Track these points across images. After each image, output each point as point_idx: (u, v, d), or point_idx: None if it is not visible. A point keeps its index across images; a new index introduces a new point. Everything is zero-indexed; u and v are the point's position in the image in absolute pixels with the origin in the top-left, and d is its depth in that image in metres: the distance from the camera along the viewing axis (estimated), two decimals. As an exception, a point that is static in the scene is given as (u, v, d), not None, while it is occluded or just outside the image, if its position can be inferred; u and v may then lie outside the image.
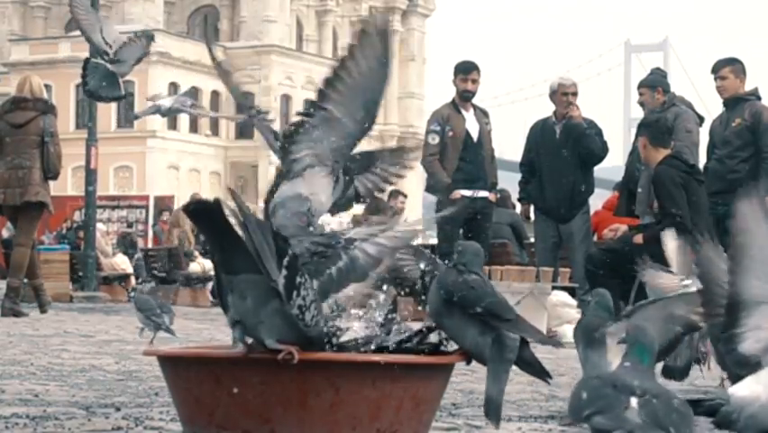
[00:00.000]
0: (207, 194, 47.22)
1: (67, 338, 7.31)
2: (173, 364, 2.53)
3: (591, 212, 10.25)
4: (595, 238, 10.32)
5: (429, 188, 10.39)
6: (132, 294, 18.34)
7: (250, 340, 2.38)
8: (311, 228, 2.70)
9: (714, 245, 2.61)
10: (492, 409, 2.53)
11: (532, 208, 10.17)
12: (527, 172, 9.95)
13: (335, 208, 2.90)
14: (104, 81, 3.93)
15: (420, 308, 3.14)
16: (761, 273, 2.36)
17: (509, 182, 12.74)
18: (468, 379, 4.69)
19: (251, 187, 69.32)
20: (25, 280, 10.68)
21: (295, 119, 2.84)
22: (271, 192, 2.79)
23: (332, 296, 2.62)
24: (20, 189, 10.07)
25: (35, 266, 10.68)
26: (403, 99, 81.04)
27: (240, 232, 2.30)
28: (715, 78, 9.04)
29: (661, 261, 8.67)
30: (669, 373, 4.23)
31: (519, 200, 10.73)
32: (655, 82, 9.74)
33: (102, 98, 4.07)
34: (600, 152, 9.75)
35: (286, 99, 68.67)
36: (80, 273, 17.20)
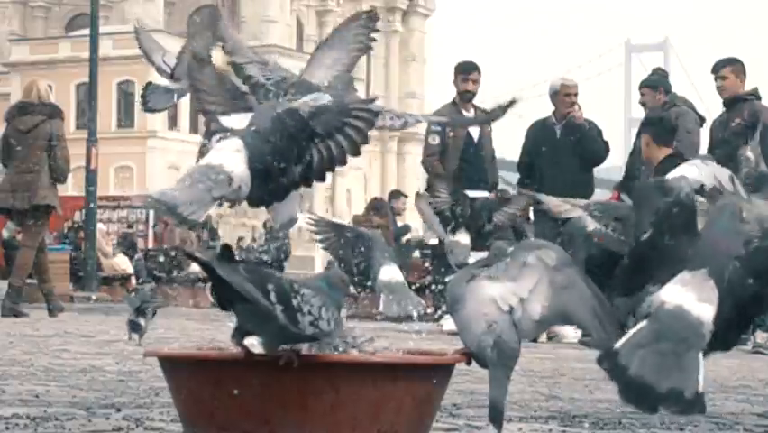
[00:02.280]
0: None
1: (67, 339, 7.31)
2: (173, 365, 2.53)
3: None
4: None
5: (429, 189, 10.39)
6: (132, 294, 18.38)
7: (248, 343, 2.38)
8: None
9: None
10: (496, 415, 2.53)
11: (531, 209, 10.16)
12: (526, 173, 9.95)
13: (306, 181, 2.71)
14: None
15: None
16: None
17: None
18: (468, 379, 4.68)
19: (251, 187, 69.32)
20: (29, 281, 10.75)
21: None
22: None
23: None
24: (28, 193, 10.15)
25: (46, 270, 10.73)
26: (403, 99, 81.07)
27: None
28: (715, 79, 9.04)
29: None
30: None
31: (518, 201, 10.72)
32: (657, 82, 9.74)
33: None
34: (602, 152, 9.76)
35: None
36: (80, 274, 17.22)
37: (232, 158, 2.46)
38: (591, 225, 3.13)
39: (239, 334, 2.36)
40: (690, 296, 2.45)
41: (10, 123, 10.46)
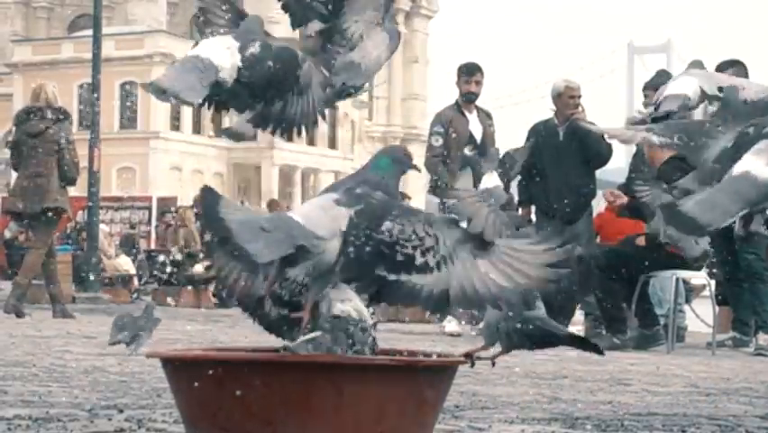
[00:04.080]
0: (210, 195, 47.12)
1: (69, 339, 7.31)
2: (176, 366, 2.52)
3: (594, 214, 10.24)
4: (598, 240, 10.32)
5: (432, 190, 10.39)
6: (135, 295, 18.37)
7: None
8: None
9: None
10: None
11: (533, 210, 10.15)
12: (527, 175, 9.91)
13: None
14: None
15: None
16: None
17: (512, 184, 12.71)
18: (471, 381, 4.68)
19: (253, 188, 69.30)
20: (34, 282, 10.78)
21: None
22: None
23: None
24: (38, 197, 10.19)
25: (54, 273, 10.77)
26: (406, 101, 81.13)
27: None
28: (718, 80, 9.02)
29: (664, 264, 8.69)
30: None
31: (519, 203, 10.69)
32: (660, 84, 9.70)
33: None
34: (606, 154, 9.73)
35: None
36: (83, 274, 17.22)
37: (221, 53, 2.63)
38: (658, 139, 3.29)
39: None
40: (760, 162, 2.69)
41: (19, 127, 10.54)
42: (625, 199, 8.74)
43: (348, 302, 2.51)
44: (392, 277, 2.39)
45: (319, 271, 2.44)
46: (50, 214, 10.34)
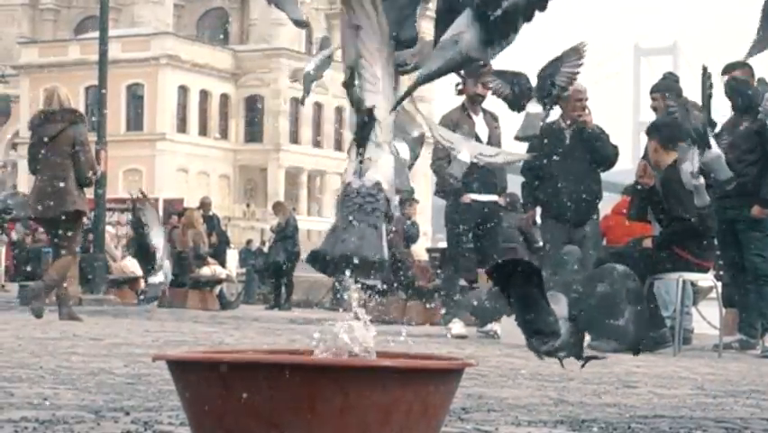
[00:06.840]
0: (216, 197, 47.27)
1: (76, 341, 7.31)
2: (181, 368, 2.52)
3: (601, 216, 10.23)
4: (605, 243, 10.31)
5: (439, 192, 10.39)
6: (141, 297, 18.37)
7: None
8: None
9: None
10: None
11: (538, 212, 10.13)
12: (532, 177, 9.90)
13: None
14: None
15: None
16: None
17: (518, 186, 12.72)
18: (477, 384, 4.68)
19: (260, 190, 69.32)
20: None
21: None
22: None
23: None
24: (56, 201, 10.19)
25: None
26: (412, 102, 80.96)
27: None
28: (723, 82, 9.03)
29: (670, 266, 8.68)
30: None
31: (524, 206, 10.67)
32: (668, 87, 9.70)
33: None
34: (613, 156, 9.72)
35: (295, 102, 68.64)
36: (89, 276, 17.23)
37: None
38: None
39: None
40: None
41: (35, 132, 10.57)
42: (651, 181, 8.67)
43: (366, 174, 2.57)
44: None
45: None
46: (70, 217, 10.33)
